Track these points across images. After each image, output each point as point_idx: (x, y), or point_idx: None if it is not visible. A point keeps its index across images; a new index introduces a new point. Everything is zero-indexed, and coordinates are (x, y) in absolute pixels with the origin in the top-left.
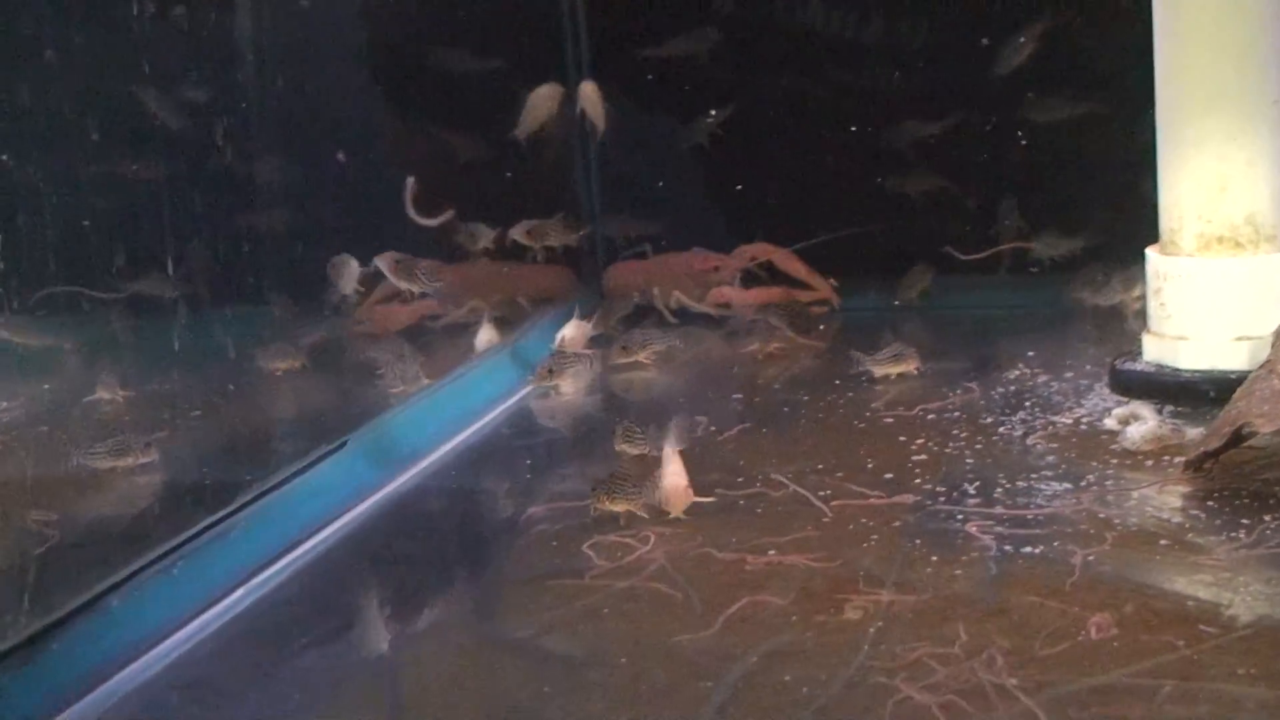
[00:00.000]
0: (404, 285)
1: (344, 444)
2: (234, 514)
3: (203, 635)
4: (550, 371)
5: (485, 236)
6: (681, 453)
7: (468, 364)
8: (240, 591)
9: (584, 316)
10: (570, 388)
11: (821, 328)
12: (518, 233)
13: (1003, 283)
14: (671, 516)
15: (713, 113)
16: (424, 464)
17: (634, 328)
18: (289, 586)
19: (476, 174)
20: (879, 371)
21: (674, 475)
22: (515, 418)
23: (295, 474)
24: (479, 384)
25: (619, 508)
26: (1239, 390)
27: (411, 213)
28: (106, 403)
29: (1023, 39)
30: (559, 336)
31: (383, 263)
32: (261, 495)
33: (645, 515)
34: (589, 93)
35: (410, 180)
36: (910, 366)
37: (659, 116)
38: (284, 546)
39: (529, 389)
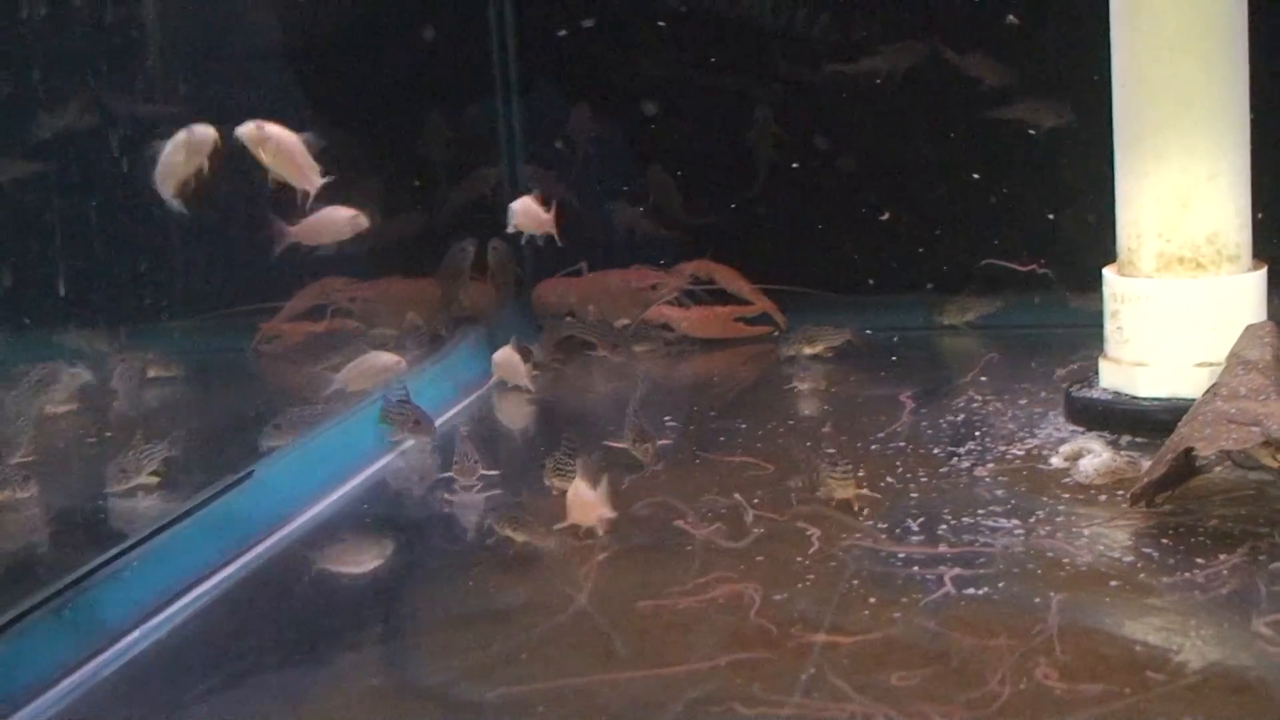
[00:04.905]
0: None
1: (250, 474)
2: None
3: (95, 681)
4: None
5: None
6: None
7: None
8: (136, 634)
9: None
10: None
11: None
12: None
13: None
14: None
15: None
16: None
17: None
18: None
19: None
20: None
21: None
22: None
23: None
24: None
25: (519, 536)
26: (1185, 416)
27: None
28: None
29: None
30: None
31: None
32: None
33: (547, 544)
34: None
35: None
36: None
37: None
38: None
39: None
